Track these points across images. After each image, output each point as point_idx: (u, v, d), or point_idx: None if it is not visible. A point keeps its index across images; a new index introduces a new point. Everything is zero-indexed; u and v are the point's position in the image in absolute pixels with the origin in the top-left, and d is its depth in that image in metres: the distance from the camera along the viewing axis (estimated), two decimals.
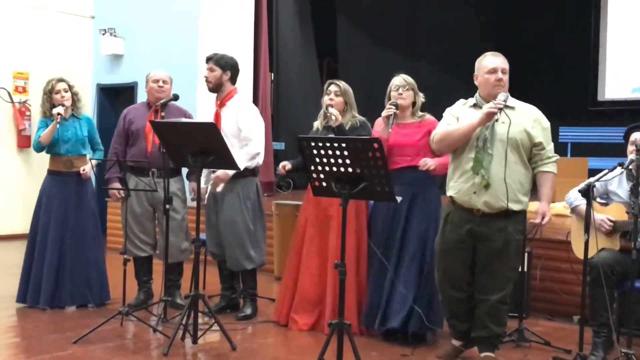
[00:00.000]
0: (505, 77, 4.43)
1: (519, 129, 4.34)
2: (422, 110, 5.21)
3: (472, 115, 4.39)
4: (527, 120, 4.38)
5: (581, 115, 11.81)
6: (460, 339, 4.69)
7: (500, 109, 4.24)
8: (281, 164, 5.62)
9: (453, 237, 4.50)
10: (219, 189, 5.54)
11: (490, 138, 4.33)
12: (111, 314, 5.20)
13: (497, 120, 4.30)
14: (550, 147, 4.42)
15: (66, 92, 5.83)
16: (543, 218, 4.38)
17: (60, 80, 5.87)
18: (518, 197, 4.36)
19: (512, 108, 4.40)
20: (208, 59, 5.71)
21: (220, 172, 5.49)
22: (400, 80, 5.13)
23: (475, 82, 4.53)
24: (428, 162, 4.89)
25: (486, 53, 4.52)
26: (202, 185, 5.51)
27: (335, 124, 5.26)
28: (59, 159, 5.85)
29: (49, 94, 5.82)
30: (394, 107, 5.02)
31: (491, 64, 4.43)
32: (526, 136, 4.35)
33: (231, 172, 5.47)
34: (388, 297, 5.03)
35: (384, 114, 5.07)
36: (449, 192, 4.53)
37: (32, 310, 5.79)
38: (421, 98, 5.15)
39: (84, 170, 5.80)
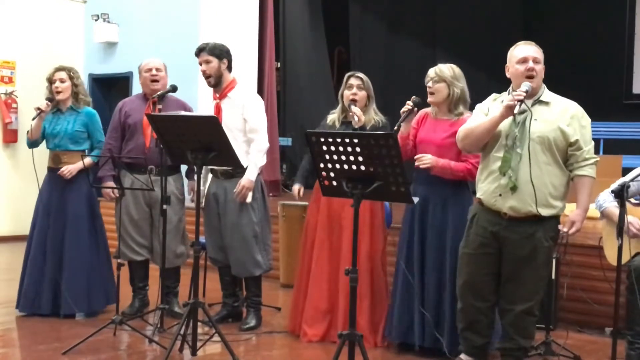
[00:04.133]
0: (538, 67, 4.35)
1: (551, 127, 4.29)
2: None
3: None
4: (562, 117, 4.32)
5: (614, 109, 11.75)
6: (472, 355, 4.63)
7: (521, 101, 4.17)
8: (294, 189, 5.69)
9: (477, 241, 4.48)
10: (249, 199, 5.52)
11: (520, 136, 4.29)
12: (103, 323, 5.21)
13: (522, 116, 4.27)
14: (588, 147, 4.35)
15: (63, 82, 5.85)
16: (572, 227, 4.34)
17: (60, 69, 5.91)
18: (549, 202, 4.30)
19: (546, 103, 4.37)
20: (199, 51, 5.68)
21: (245, 181, 5.46)
22: (432, 71, 5.00)
23: (507, 74, 4.48)
24: (424, 159, 4.83)
25: (519, 42, 4.47)
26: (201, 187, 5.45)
27: (356, 125, 5.24)
28: (50, 154, 5.92)
29: (49, 83, 5.89)
30: (411, 104, 4.97)
31: (521, 53, 4.37)
32: (560, 135, 4.29)
33: (254, 177, 5.49)
34: (418, 313, 4.99)
35: (402, 110, 5.05)
36: (478, 194, 4.53)
37: (20, 318, 5.82)
38: (457, 90, 4.95)
39: (61, 171, 5.80)
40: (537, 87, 4.38)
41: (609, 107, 11.72)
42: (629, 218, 4.62)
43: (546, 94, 4.41)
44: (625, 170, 5.85)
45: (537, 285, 4.42)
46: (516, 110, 4.20)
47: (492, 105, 4.49)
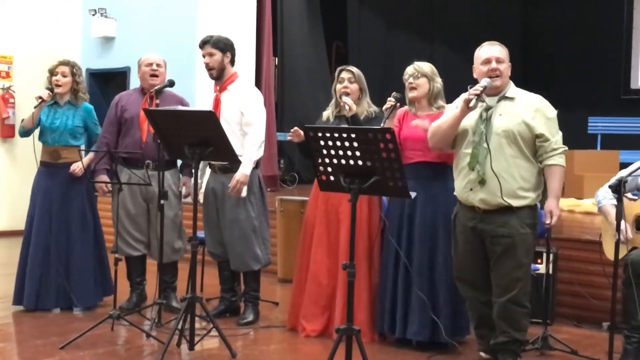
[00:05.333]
0: (502, 67, 4.49)
1: (516, 121, 4.40)
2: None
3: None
4: (527, 111, 4.43)
5: (612, 104, 11.76)
6: (489, 351, 4.69)
7: (478, 95, 4.29)
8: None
9: (462, 238, 4.60)
10: (244, 193, 5.51)
11: (485, 132, 4.41)
12: (101, 318, 5.22)
13: (488, 112, 4.41)
14: (556, 138, 4.44)
15: (65, 76, 5.85)
16: (551, 217, 4.42)
17: (65, 63, 5.92)
18: (518, 193, 4.40)
19: (511, 99, 4.49)
20: (203, 43, 5.68)
21: (239, 176, 5.44)
22: (411, 68, 5.13)
23: (474, 75, 4.60)
24: (421, 124, 4.91)
25: (483, 43, 4.61)
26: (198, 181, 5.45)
27: (349, 114, 5.27)
28: (47, 149, 5.89)
29: (50, 74, 5.88)
30: (393, 100, 5.04)
31: (485, 54, 4.52)
32: (525, 128, 4.39)
33: (249, 172, 5.47)
34: (403, 303, 5.05)
35: (384, 107, 5.11)
36: (455, 191, 4.65)
37: (17, 313, 5.82)
38: (437, 84, 5.11)
39: (73, 169, 5.80)
40: (503, 85, 4.52)
41: (607, 103, 11.74)
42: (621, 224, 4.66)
43: (512, 90, 4.54)
44: (623, 166, 5.87)
45: (517, 273, 4.46)
46: (472, 104, 4.30)
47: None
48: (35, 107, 5.76)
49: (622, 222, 4.64)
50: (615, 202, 4.68)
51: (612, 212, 4.69)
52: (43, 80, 5.94)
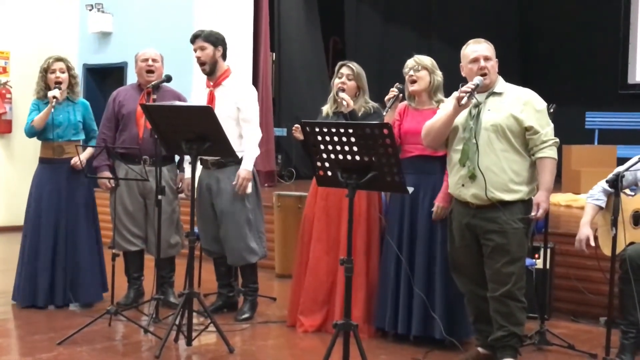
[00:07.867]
0: (490, 64, 4.50)
1: (504, 115, 4.41)
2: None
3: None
4: (515, 104, 4.44)
5: (610, 99, 11.76)
6: (487, 347, 4.70)
7: (470, 93, 4.30)
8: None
9: (458, 235, 4.62)
10: (249, 190, 5.54)
11: (475, 128, 4.43)
12: (99, 314, 5.22)
13: (477, 109, 4.43)
14: (546, 130, 4.43)
15: (63, 72, 5.83)
16: (538, 209, 4.43)
17: (59, 59, 5.87)
18: (510, 187, 4.40)
19: (499, 94, 4.51)
20: (195, 37, 5.67)
21: (243, 173, 5.47)
22: (411, 61, 5.11)
23: (463, 74, 4.61)
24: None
25: (469, 41, 4.61)
26: (188, 175, 5.44)
27: (346, 110, 5.26)
28: (50, 145, 5.84)
29: (44, 72, 5.83)
30: (396, 91, 5.06)
31: (472, 53, 4.53)
32: (514, 121, 4.40)
33: (251, 168, 5.48)
34: (404, 299, 5.06)
35: (386, 97, 5.10)
36: (449, 188, 4.67)
37: (15, 309, 5.82)
38: (438, 77, 5.10)
39: (74, 162, 5.78)
40: (492, 82, 4.53)
41: (604, 97, 11.75)
42: (585, 231, 4.79)
43: (500, 86, 4.55)
44: (620, 160, 5.88)
45: (510, 268, 4.45)
46: (463, 102, 4.31)
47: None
48: (54, 106, 5.67)
49: (586, 230, 4.79)
50: (599, 203, 4.81)
51: (589, 212, 4.82)
52: (40, 75, 5.88)
